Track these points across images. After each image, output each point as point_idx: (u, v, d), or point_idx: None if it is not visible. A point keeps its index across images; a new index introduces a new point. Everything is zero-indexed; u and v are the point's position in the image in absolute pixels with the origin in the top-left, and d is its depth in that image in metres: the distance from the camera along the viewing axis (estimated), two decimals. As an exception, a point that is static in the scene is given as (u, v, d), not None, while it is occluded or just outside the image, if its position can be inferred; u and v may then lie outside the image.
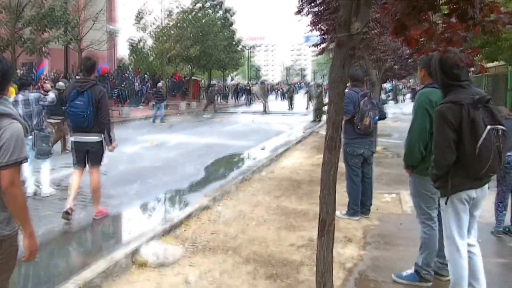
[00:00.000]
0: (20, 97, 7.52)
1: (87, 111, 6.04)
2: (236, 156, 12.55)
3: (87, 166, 6.46)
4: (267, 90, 27.35)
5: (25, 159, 2.55)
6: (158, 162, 10.97)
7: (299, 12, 11.36)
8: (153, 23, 33.34)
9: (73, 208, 6.37)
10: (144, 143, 14.12)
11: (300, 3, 11.24)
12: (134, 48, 33.79)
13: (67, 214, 6.21)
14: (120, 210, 6.91)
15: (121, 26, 38.30)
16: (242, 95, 46.02)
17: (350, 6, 3.26)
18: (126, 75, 33.15)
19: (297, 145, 13.67)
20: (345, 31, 3.26)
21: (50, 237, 5.80)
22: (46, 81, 17.57)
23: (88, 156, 6.37)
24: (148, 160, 11.30)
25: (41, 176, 7.72)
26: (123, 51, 40.82)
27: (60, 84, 11.74)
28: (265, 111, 29.23)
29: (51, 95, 8.47)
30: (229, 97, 46.97)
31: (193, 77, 39.78)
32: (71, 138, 6.48)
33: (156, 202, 7.79)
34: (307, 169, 9.85)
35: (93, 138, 6.23)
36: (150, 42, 34.11)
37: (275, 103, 41.26)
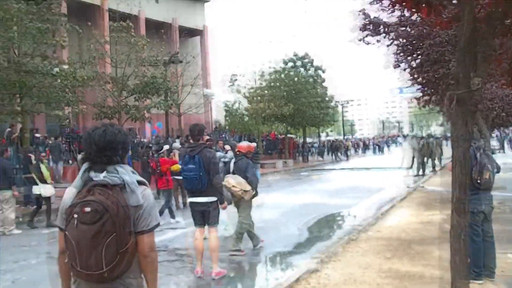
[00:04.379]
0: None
1: (199, 173, 6.33)
2: (338, 215, 12.24)
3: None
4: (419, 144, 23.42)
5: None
6: (260, 223, 10.83)
7: (397, 66, 11.21)
8: (246, 85, 34.39)
9: (204, 271, 6.69)
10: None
11: (397, 57, 11.10)
12: (230, 110, 34.89)
13: (200, 278, 6.60)
14: (227, 273, 6.85)
15: (215, 89, 39.90)
16: (338, 151, 45.60)
17: (467, 61, 3.10)
18: (223, 136, 34.17)
19: (402, 201, 13.09)
20: (464, 87, 3.10)
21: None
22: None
23: (205, 217, 6.60)
24: (250, 220, 11.29)
25: None
26: (218, 113, 42.36)
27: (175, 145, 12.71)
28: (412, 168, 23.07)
29: (230, 154, 9.41)
30: (325, 153, 46.55)
31: (288, 135, 40.09)
32: (188, 200, 6.78)
33: (262, 265, 7.68)
34: (416, 227, 9.34)
35: (207, 199, 6.49)
36: (244, 103, 35.11)
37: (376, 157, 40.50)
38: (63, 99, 17.51)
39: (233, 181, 7.64)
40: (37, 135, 22.36)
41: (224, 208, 6.77)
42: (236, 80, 34.17)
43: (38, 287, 6.75)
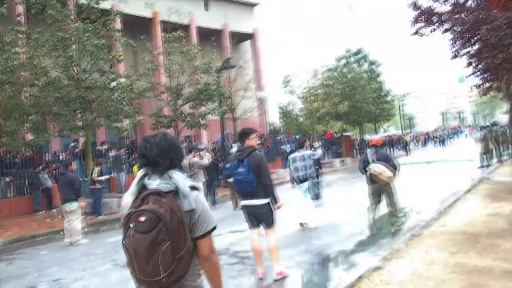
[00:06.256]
0: (297, 154, 10.42)
1: (249, 177, 6.34)
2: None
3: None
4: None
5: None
6: (323, 223, 10.76)
7: (455, 56, 10.85)
8: (300, 86, 34.32)
9: (265, 272, 6.69)
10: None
11: (454, 46, 10.75)
12: (284, 111, 34.89)
13: (261, 280, 6.62)
14: (289, 273, 6.82)
15: (270, 92, 40.00)
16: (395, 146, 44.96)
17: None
18: (279, 138, 34.16)
19: (467, 194, 12.63)
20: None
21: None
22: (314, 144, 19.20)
23: (259, 219, 6.61)
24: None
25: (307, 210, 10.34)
26: (272, 115, 42.42)
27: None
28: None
29: (319, 152, 11.41)
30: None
31: (344, 133, 39.60)
32: (240, 203, 6.90)
33: (323, 264, 7.59)
34: (483, 220, 8.98)
35: (259, 201, 6.47)
36: (298, 104, 35.08)
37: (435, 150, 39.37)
38: (121, 112, 18.04)
39: (378, 169, 8.73)
40: (99, 147, 23.14)
41: (278, 208, 6.66)
42: (289, 81, 34.21)
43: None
